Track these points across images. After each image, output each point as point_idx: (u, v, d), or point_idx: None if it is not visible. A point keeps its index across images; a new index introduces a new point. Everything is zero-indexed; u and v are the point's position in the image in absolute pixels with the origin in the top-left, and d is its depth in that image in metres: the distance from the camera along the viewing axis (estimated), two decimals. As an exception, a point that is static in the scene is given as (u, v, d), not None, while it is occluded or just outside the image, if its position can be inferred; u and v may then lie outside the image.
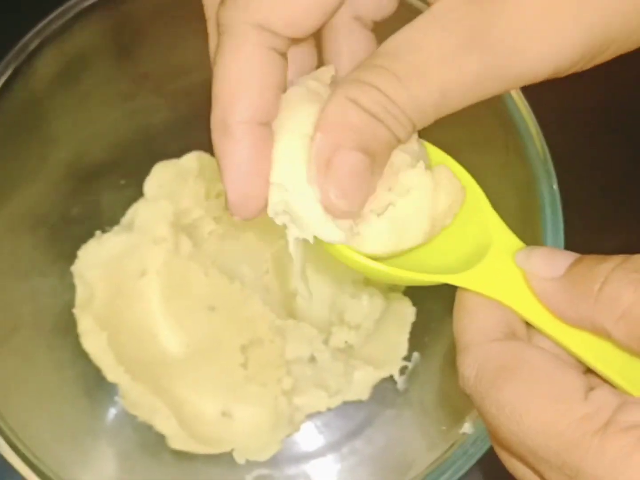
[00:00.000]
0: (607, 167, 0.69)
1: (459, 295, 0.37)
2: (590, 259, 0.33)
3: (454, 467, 0.49)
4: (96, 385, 0.61)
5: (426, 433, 0.57)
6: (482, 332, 0.35)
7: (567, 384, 0.32)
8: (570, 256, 0.34)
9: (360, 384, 0.63)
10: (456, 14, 0.33)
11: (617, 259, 0.32)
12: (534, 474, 0.33)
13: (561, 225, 0.50)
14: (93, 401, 0.61)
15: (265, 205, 0.36)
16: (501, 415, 0.32)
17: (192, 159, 0.66)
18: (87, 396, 0.61)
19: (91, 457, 0.58)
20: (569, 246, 0.49)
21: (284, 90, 0.36)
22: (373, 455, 0.61)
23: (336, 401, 0.63)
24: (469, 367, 0.34)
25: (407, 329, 0.64)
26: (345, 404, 0.63)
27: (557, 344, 0.35)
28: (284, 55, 0.36)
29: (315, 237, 0.36)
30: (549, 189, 0.50)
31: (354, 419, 0.63)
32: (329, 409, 0.63)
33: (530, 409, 0.31)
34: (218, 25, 0.35)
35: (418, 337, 0.63)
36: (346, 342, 0.62)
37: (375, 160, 0.34)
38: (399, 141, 0.34)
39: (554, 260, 0.35)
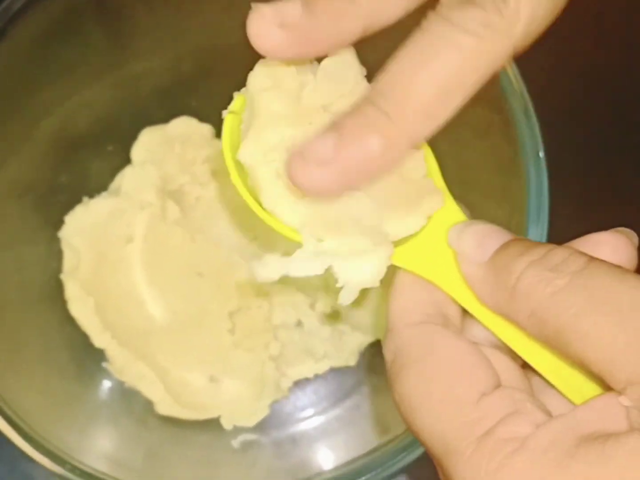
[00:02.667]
0: (597, 136, 0.69)
1: (395, 274, 0.36)
2: (514, 247, 0.32)
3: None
4: (84, 352, 0.61)
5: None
6: (403, 315, 0.34)
7: (463, 384, 0.31)
8: (499, 239, 0.33)
9: (348, 349, 0.63)
10: None
11: (538, 251, 0.31)
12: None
13: (546, 195, 0.49)
14: (81, 367, 0.61)
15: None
16: (400, 406, 0.32)
17: (179, 125, 0.65)
18: (74, 362, 0.61)
19: (79, 423, 0.58)
20: (555, 220, 0.49)
21: None
22: (359, 420, 0.61)
23: (324, 367, 0.63)
24: (388, 351, 0.34)
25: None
26: (333, 370, 0.63)
27: (487, 329, 0.34)
28: None
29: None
30: (534, 157, 0.50)
31: (342, 385, 0.63)
32: (316, 375, 0.63)
33: (424, 406, 0.31)
34: None
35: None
36: (332, 307, 0.62)
37: None
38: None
39: (482, 243, 0.34)
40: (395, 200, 0.36)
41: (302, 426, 0.62)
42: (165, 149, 0.64)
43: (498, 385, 0.32)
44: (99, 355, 0.62)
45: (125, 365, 0.61)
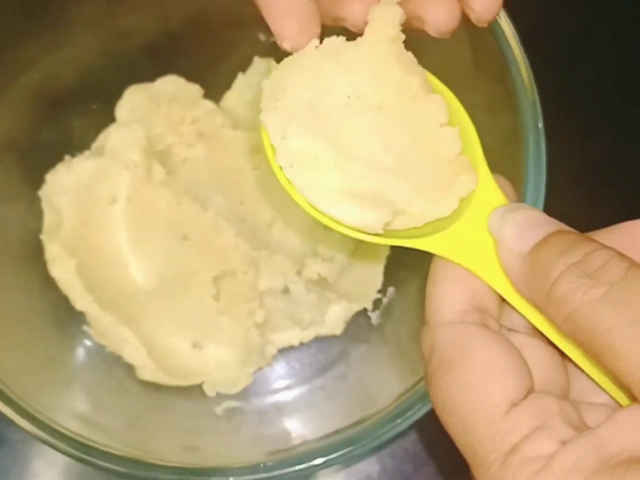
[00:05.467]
0: (596, 107, 0.68)
1: (433, 259, 0.36)
2: (555, 244, 0.32)
3: (422, 402, 0.49)
4: (65, 314, 0.60)
5: (399, 369, 0.57)
6: (440, 311, 0.34)
7: (495, 394, 0.32)
8: (541, 230, 0.33)
9: (334, 318, 0.62)
10: None
11: (578, 252, 0.31)
12: None
13: (544, 166, 0.48)
14: (61, 330, 0.60)
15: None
16: (436, 407, 0.33)
17: (166, 83, 0.64)
18: (55, 325, 0.60)
19: (59, 387, 0.57)
20: (552, 188, 0.48)
21: None
22: (343, 390, 0.61)
23: (309, 335, 0.62)
24: (425, 345, 0.34)
25: (382, 262, 0.63)
26: (319, 339, 0.63)
27: (525, 318, 0.35)
28: None
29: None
30: (534, 128, 0.49)
31: (327, 354, 0.62)
32: (301, 344, 0.62)
33: (456, 412, 0.32)
34: None
35: (393, 272, 0.63)
36: (319, 274, 0.61)
37: None
38: None
39: (523, 234, 0.34)
40: (427, 181, 0.36)
41: (286, 395, 0.61)
42: (151, 108, 0.63)
43: (530, 390, 0.32)
44: (80, 318, 0.61)
45: (106, 329, 0.60)
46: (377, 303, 0.63)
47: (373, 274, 0.63)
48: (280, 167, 0.36)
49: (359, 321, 0.63)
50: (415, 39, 0.54)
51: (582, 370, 0.34)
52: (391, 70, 0.36)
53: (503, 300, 0.35)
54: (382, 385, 0.57)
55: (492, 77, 0.51)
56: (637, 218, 0.36)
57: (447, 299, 0.34)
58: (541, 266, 0.32)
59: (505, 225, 0.34)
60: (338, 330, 0.62)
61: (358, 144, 0.36)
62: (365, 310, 0.63)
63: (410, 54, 0.38)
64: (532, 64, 0.49)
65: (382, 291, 0.63)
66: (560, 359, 0.35)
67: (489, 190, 0.36)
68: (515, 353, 0.33)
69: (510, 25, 0.49)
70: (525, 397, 0.32)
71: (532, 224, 0.34)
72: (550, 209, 0.47)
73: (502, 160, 0.51)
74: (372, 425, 0.50)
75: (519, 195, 0.48)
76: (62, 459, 0.60)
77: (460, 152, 0.37)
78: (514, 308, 0.34)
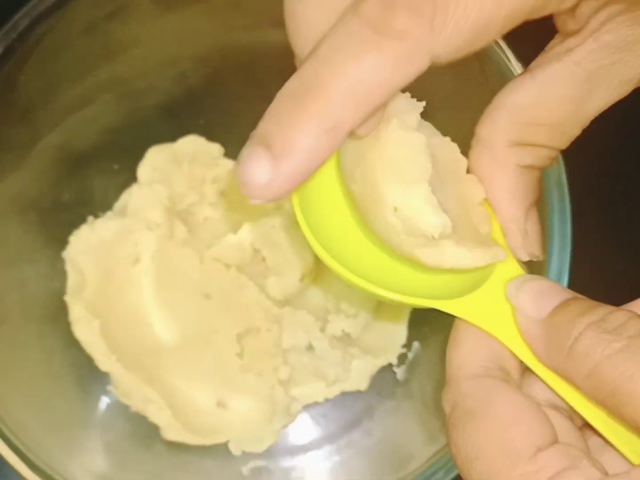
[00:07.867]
0: (617, 154, 0.68)
1: (455, 322, 0.37)
2: (574, 307, 0.33)
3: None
4: (88, 375, 0.60)
5: (426, 425, 0.56)
6: (463, 367, 0.35)
7: (521, 438, 0.31)
8: (557, 296, 0.34)
9: (359, 373, 0.62)
10: None
11: (598, 313, 0.32)
12: None
13: (569, 219, 0.48)
14: (85, 391, 0.60)
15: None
16: (458, 457, 0.33)
17: (187, 143, 0.64)
18: (78, 386, 0.60)
19: (82, 448, 0.57)
20: (578, 239, 0.48)
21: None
22: (371, 447, 0.60)
23: (334, 391, 0.62)
24: (447, 403, 0.34)
25: (406, 317, 0.63)
26: (344, 394, 0.62)
27: (546, 385, 0.35)
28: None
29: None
30: (557, 180, 0.49)
31: (352, 410, 0.62)
32: (326, 400, 0.62)
33: (480, 457, 0.32)
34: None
35: (417, 327, 0.62)
36: (343, 330, 0.61)
37: None
38: None
39: (540, 299, 0.34)
40: (470, 241, 0.37)
41: (312, 453, 0.61)
42: (172, 168, 0.63)
43: (555, 441, 0.32)
44: (104, 378, 0.60)
45: (130, 389, 0.59)
46: (402, 358, 0.62)
47: (397, 328, 0.63)
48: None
49: (384, 376, 0.62)
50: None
51: (602, 437, 0.34)
52: (444, 148, 0.38)
53: (524, 371, 0.36)
54: (409, 443, 0.56)
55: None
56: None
57: (469, 356, 0.35)
58: (561, 327, 0.33)
59: (522, 293, 0.35)
60: (363, 385, 0.62)
61: None
62: (390, 365, 0.62)
63: (447, 139, 0.39)
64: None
65: (407, 346, 0.62)
66: (579, 432, 0.35)
67: (509, 264, 0.37)
68: (539, 407, 0.33)
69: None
70: (551, 444, 0.31)
71: (548, 291, 0.35)
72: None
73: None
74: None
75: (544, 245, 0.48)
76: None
77: (488, 232, 0.38)
78: (534, 374, 0.35)
